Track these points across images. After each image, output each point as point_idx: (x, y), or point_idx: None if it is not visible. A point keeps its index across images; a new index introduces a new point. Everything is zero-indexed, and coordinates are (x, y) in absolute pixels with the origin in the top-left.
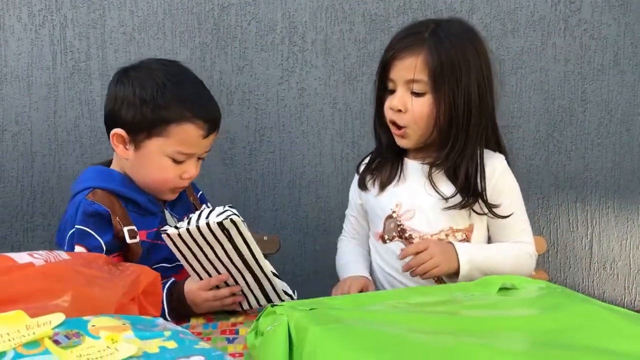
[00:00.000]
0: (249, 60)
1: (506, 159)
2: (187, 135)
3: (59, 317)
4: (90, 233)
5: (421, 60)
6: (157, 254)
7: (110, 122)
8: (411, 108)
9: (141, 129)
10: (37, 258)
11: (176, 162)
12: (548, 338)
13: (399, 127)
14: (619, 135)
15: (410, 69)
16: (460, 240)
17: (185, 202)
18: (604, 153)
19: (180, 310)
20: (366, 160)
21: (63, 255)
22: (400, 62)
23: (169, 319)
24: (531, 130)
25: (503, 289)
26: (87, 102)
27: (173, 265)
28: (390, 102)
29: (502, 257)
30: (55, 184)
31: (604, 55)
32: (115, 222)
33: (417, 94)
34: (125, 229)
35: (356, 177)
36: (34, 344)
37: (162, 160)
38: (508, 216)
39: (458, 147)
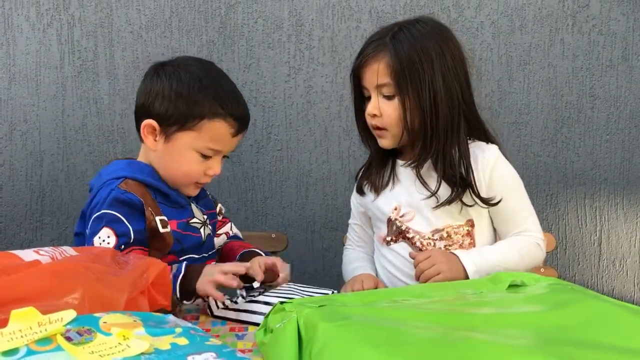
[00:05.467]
0: (255, 58)
1: (499, 148)
2: (218, 131)
3: (70, 314)
4: (120, 218)
5: (383, 64)
6: (187, 244)
7: (142, 114)
8: (383, 111)
9: (173, 122)
10: (43, 255)
11: (204, 157)
12: (558, 334)
13: (380, 128)
14: (627, 131)
15: (374, 74)
16: (464, 236)
17: (206, 198)
18: (612, 149)
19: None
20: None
21: (69, 251)
22: (367, 69)
23: (177, 296)
24: (539, 127)
25: (513, 285)
26: (95, 100)
27: (200, 256)
28: (367, 109)
29: (509, 255)
30: (64, 183)
31: (613, 51)
32: (148, 213)
33: (387, 97)
34: (157, 219)
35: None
36: (46, 340)
37: (190, 154)
38: (497, 203)
39: (432, 144)
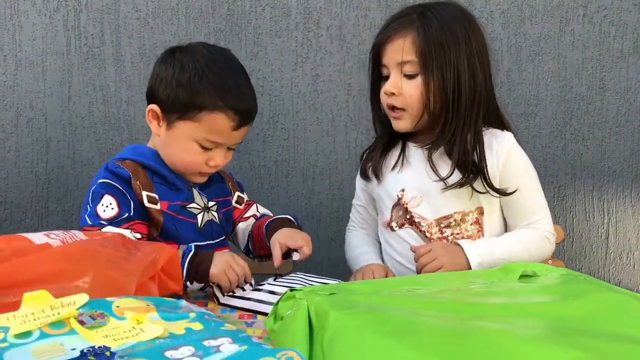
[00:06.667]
0: (263, 46)
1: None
2: (217, 124)
3: (83, 298)
4: (118, 187)
5: (409, 40)
6: (181, 228)
7: (149, 98)
8: (404, 90)
9: (174, 110)
10: (53, 239)
11: (203, 148)
12: (571, 324)
13: (395, 110)
14: (637, 124)
15: (399, 50)
16: (472, 224)
17: (218, 184)
18: (621, 141)
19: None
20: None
21: (79, 235)
22: (390, 45)
23: (187, 283)
24: (548, 118)
25: (524, 276)
26: (101, 87)
27: (204, 244)
28: (385, 87)
29: (515, 249)
30: (70, 170)
31: (624, 42)
32: (135, 186)
33: (409, 76)
34: (144, 193)
35: None
36: (59, 324)
37: (190, 143)
38: (511, 193)
39: (451, 127)
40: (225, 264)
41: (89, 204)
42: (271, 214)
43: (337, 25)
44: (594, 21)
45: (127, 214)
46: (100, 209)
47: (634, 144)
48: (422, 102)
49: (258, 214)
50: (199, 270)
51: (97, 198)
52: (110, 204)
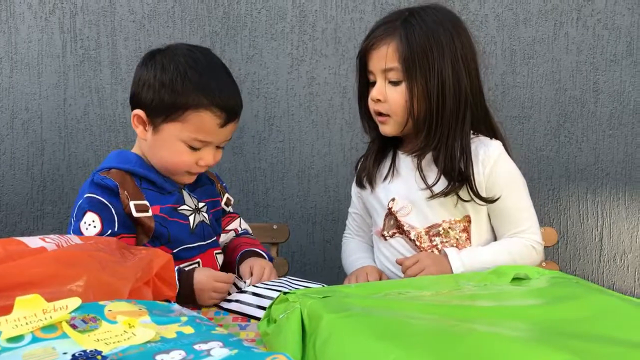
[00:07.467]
0: (258, 49)
1: (504, 145)
2: (203, 122)
3: (75, 302)
4: (103, 202)
5: (392, 47)
6: (174, 230)
7: (133, 103)
8: (388, 97)
9: (159, 113)
10: (49, 242)
11: (192, 148)
12: (561, 327)
13: (382, 115)
14: (630, 127)
15: (382, 57)
16: (461, 232)
17: (206, 185)
18: (615, 144)
19: (184, 295)
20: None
21: (75, 239)
22: (375, 52)
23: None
24: (542, 121)
25: (516, 278)
26: (97, 90)
27: (196, 245)
28: (371, 94)
29: (500, 258)
30: (65, 172)
31: (617, 46)
32: (123, 196)
33: (393, 83)
34: (132, 203)
35: None
36: (51, 327)
37: (178, 145)
38: (494, 201)
39: (436, 134)
40: (205, 288)
41: (73, 218)
42: (250, 231)
43: (333, 28)
44: (588, 25)
45: (110, 231)
46: (83, 227)
47: (627, 146)
48: (406, 109)
49: (239, 229)
50: (184, 299)
51: (80, 215)
52: (93, 221)
